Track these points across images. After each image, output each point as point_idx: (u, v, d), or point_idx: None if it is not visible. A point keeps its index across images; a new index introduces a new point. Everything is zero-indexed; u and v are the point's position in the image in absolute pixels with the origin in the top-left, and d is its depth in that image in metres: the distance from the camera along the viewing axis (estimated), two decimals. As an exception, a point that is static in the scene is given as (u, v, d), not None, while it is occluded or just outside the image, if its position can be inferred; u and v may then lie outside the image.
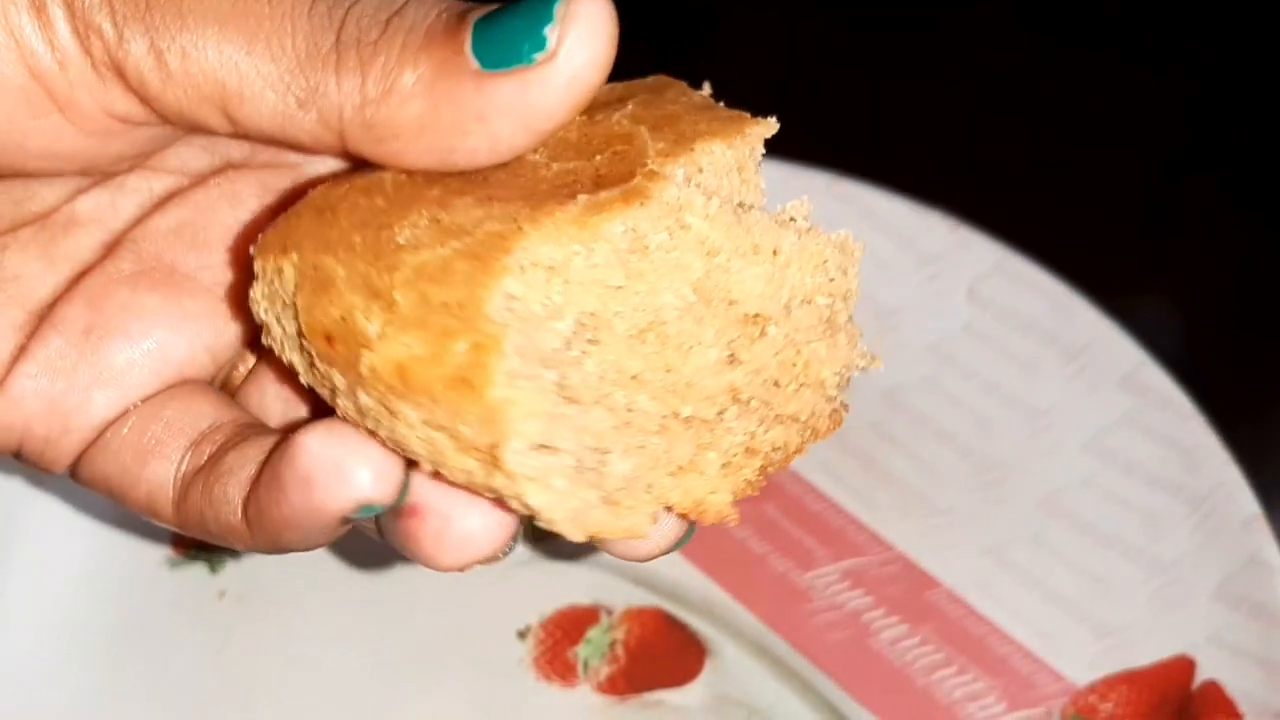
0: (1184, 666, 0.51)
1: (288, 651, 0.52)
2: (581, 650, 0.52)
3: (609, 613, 0.53)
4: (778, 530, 0.55)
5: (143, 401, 0.35)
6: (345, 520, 0.32)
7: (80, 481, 0.36)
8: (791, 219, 0.32)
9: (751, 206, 0.32)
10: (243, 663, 0.52)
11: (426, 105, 0.30)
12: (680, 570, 0.54)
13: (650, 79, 0.34)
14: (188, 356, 0.36)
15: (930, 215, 0.63)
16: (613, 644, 0.52)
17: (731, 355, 0.31)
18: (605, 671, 0.52)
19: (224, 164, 0.36)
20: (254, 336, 0.37)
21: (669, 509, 0.32)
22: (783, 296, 0.32)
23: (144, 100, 0.31)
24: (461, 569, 0.32)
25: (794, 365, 0.32)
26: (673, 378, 0.31)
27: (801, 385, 0.33)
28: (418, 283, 0.28)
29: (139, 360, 0.35)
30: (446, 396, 0.28)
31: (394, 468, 0.31)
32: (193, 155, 0.36)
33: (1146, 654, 0.52)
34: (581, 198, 0.29)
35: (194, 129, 0.32)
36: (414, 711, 0.50)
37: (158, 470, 0.35)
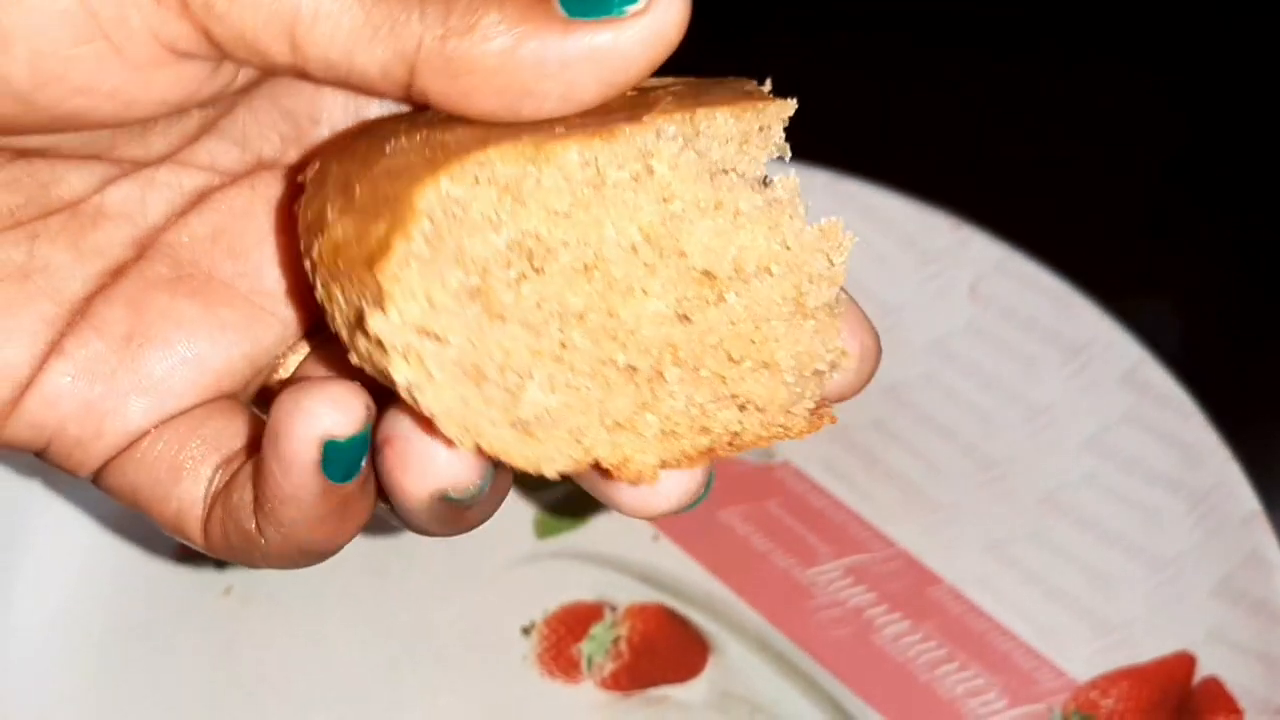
0: (1184, 663, 0.52)
1: (293, 647, 0.52)
2: (585, 646, 0.52)
3: (612, 609, 0.53)
4: (780, 527, 0.56)
5: (179, 414, 0.35)
6: (322, 472, 0.31)
7: (104, 488, 0.36)
8: (780, 193, 0.32)
9: (742, 175, 0.32)
10: (248, 658, 0.52)
11: (509, 44, 0.30)
12: (683, 567, 0.54)
13: (728, 79, 0.34)
14: (225, 367, 0.35)
15: (932, 214, 0.63)
16: (616, 640, 0.52)
17: (684, 314, 0.31)
18: (609, 667, 0.52)
19: (255, 162, 0.36)
20: (312, 326, 0.36)
21: (597, 464, 0.32)
22: (730, 252, 0.31)
23: (204, 23, 0.30)
24: (429, 501, 0.32)
25: (751, 341, 0.32)
26: (614, 322, 0.31)
27: (761, 365, 0.32)
28: (378, 179, 0.30)
29: (178, 370, 0.35)
30: (359, 274, 0.29)
31: (354, 400, 0.31)
32: (224, 150, 0.35)
33: (1147, 650, 0.52)
34: (558, 130, 0.30)
35: (250, 59, 0.31)
36: (419, 708, 0.51)
37: (190, 488, 0.35)
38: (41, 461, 0.36)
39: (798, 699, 0.51)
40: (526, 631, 0.53)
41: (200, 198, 0.36)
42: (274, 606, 0.53)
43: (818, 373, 0.33)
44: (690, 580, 0.54)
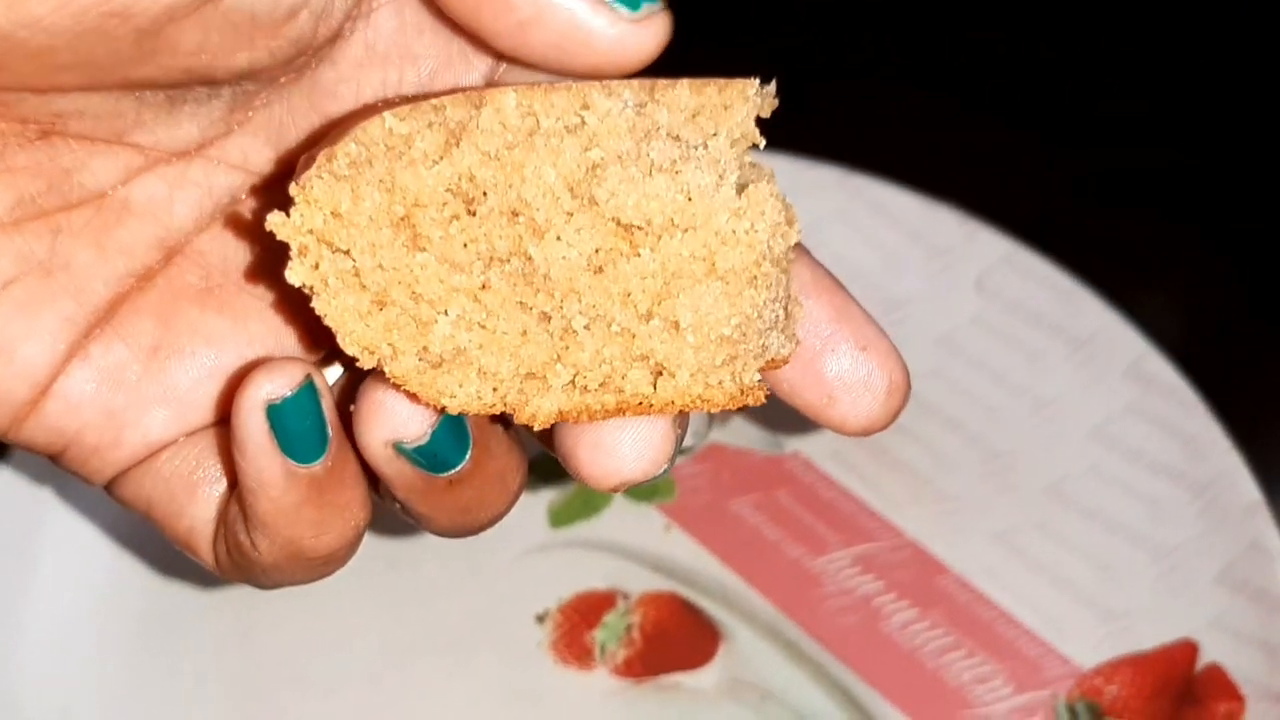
0: (1187, 650, 0.52)
1: (310, 637, 0.53)
2: (598, 634, 0.53)
3: (625, 597, 0.54)
4: (790, 517, 0.56)
5: (199, 430, 0.35)
6: (279, 449, 0.32)
7: (117, 498, 0.35)
8: (706, 152, 0.32)
9: (685, 143, 0.31)
10: (266, 647, 0.53)
11: None
12: (695, 556, 0.55)
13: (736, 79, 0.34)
14: None
15: (940, 209, 0.64)
16: (629, 628, 0.53)
17: (598, 266, 0.31)
18: (622, 655, 0.52)
19: None
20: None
21: (504, 412, 0.32)
22: (631, 199, 0.31)
23: None
24: (390, 456, 0.32)
25: (661, 300, 0.31)
26: (530, 267, 0.31)
27: (671, 325, 0.32)
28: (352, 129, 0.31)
29: (203, 383, 0.34)
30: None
31: (292, 365, 0.32)
32: (257, 149, 0.34)
33: (1150, 638, 0.53)
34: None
35: None
36: (434, 694, 0.51)
37: (204, 507, 0.35)
38: (55, 465, 0.35)
39: (807, 686, 0.52)
40: (540, 619, 0.53)
41: (231, 202, 0.35)
42: (290, 598, 0.52)
43: (746, 346, 0.32)
44: (701, 569, 0.55)
